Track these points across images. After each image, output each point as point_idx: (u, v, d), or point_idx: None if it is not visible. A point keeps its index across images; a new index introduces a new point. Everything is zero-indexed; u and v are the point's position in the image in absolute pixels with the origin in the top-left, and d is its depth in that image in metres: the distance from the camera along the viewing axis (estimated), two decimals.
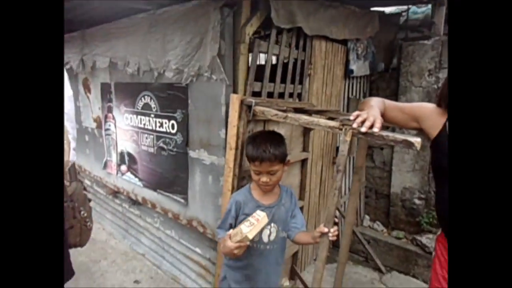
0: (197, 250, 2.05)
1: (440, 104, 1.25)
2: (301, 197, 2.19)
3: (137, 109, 2.23)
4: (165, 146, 2.03)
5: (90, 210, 1.52)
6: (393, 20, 3.29)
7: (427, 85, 2.93)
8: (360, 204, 3.39)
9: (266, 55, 1.82)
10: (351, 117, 1.17)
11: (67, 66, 2.93)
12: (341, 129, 1.19)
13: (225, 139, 1.59)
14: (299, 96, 2.19)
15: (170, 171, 2.04)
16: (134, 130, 2.32)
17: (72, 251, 1.41)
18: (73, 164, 1.49)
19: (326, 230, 1.20)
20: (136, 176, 2.39)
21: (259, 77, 1.80)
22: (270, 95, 1.88)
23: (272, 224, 1.36)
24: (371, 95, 3.45)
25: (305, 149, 2.15)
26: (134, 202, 2.54)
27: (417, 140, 1.05)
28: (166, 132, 2.02)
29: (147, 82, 2.09)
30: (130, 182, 2.46)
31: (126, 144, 2.44)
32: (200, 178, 1.86)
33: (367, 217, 3.44)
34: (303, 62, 2.14)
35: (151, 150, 2.17)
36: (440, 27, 3.03)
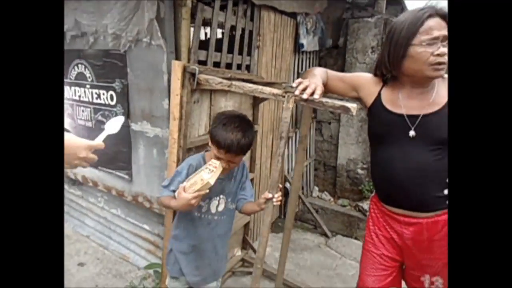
0: (145, 226, 1.99)
1: (376, 73, 1.32)
2: (251, 170, 2.23)
3: (70, 79, 2.02)
4: (104, 120, 1.88)
5: None
6: None
7: (370, 61, 3.09)
8: (309, 176, 3.56)
9: (211, 23, 1.73)
10: (294, 85, 1.19)
11: None
12: (283, 97, 1.20)
13: (169, 109, 1.52)
14: (248, 68, 2.16)
15: (111, 146, 1.91)
16: (68, 103, 2.10)
17: None
18: None
19: (270, 196, 1.24)
20: None
21: (205, 46, 1.73)
22: (216, 65, 1.82)
23: (221, 196, 1.35)
24: None
25: (254, 121, 2.16)
26: (74, 182, 2.35)
27: (353, 106, 1.11)
28: (104, 104, 1.86)
29: (80, 49, 1.89)
30: None
31: None
32: (143, 152, 1.77)
33: (316, 188, 3.64)
34: (251, 32, 2.10)
35: (89, 124, 2.00)
36: (383, 5, 3.18)
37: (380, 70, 1.27)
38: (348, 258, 2.54)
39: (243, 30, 2.02)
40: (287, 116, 1.19)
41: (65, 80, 2.06)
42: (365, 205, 3.13)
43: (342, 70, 3.21)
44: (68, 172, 2.31)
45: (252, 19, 2.08)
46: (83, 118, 2.03)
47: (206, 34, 3.67)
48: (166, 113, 1.58)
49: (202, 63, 1.73)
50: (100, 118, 1.92)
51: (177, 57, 1.54)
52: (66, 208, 2.61)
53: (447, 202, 1.22)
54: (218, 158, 1.21)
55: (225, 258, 1.51)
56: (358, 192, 3.34)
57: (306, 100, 1.15)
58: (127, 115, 1.77)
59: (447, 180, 1.21)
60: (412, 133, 1.19)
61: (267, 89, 1.25)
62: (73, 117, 2.11)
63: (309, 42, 2.92)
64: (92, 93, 1.90)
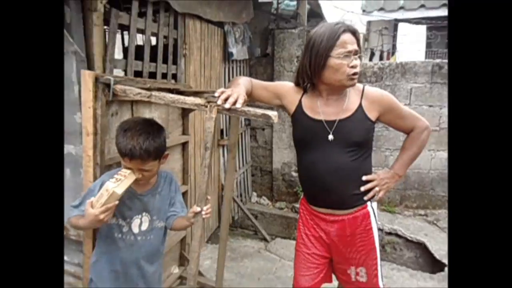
0: (64, 257, 1.75)
1: (297, 83, 1.39)
2: (185, 182, 2.14)
3: None
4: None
5: None
6: (266, 9, 3.51)
7: (296, 70, 3.28)
8: (247, 182, 3.59)
9: (129, 30, 1.63)
10: (216, 94, 1.18)
11: None
12: (206, 106, 1.18)
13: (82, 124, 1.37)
14: (175, 77, 2.09)
15: None
16: None
17: None
18: None
19: (198, 209, 1.19)
20: None
21: (126, 55, 1.61)
22: (138, 74, 1.72)
23: (144, 213, 1.25)
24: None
25: (184, 132, 2.09)
26: None
27: (273, 114, 1.14)
28: None
29: None
30: None
31: None
32: None
33: (254, 193, 3.69)
34: (176, 41, 2.04)
35: None
36: (304, 18, 3.41)
37: (302, 78, 1.35)
38: (287, 259, 2.62)
39: (166, 38, 1.95)
40: (211, 126, 1.17)
41: None
42: None
43: (271, 78, 3.35)
44: None
45: (176, 27, 2.03)
46: None
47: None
48: (79, 128, 1.42)
49: (125, 73, 1.61)
50: None
51: (90, 66, 1.40)
52: None
53: (364, 198, 1.34)
54: (128, 169, 1.13)
55: (158, 281, 1.39)
56: (294, 194, 3.48)
57: (228, 110, 1.15)
58: None
59: (363, 178, 1.33)
60: (330, 137, 1.29)
61: (189, 99, 1.22)
62: None
63: (238, 51, 2.97)
64: None
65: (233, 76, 3.15)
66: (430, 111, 3.18)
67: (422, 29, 5.03)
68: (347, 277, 1.42)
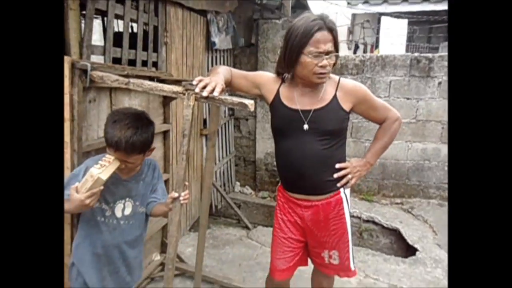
0: None
1: (277, 72, 1.42)
2: (166, 170, 2.16)
3: None
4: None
5: None
6: None
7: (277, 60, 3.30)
8: (231, 172, 3.62)
9: (107, 15, 1.61)
10: (194, 82, 1.19)
11: None
12: (184, 94, 1.20)
13: None
14: (156, 65, 2.08)
15: None
16: None
17: None
18: None
19: (176, 195, 1.22)
20: None
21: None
22: (117, 61, 1.70)
23: (127, 199, 1.28)
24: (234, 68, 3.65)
25: (166, 120, 2.09)
26: None
27: (250, 102, 1.17)
28: None
29: None
30: None
31: None
32: None
33: (237, 183, 3.73)
34: (156, 28, 2.02)
35: None
36: (289, 8, 3.42)
37: (280, 68, 1.39)
38: (267, 246, 2.68)
39: (146, 25, 1.93)
40: (189, 113, 1.19)
41: None
42: None
43: (255, 68, 3.36)
44: None
45: (156, 15, 2.00)
46: None
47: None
48: None
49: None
50: None
51: (66, 52, 1.38)
52: None
53: (337, 185, 1.40)
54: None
55: (139, 266, 1.42)
56: (276, 183, 3.55)
57: (206, 98, 1.17)
58: None
59: (336, 166, 1.39)
60: (305, 126, 1.33)
61: (167, 87, 1.23)
62: None
63: (221, 40, 2.95)
64: None
65: (216, 65, 3.14)
66: (408, 104, 3.29)
67: (404, 23, 5.13)
68: (321, 259, 1.49)
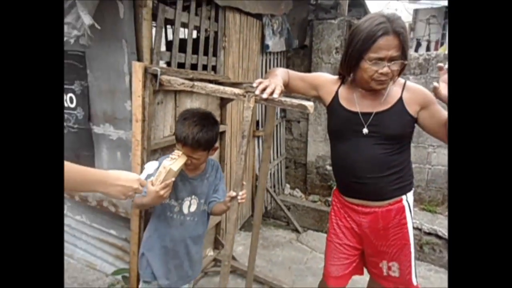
0: (112, 231, 1.95)
1: (339, 74, 1.39)
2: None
3: None
4: (64, 123, 1.81)
5: None
6: None
7: (334, 61, 3.21)
8: (281, 174, 3.63)
9: (174, 24, 1.73)
10: (254, 85, 1.22)
11: None
12: (244, 96, 1.23)
13: (131, 111, 1.50)
14: (214, 69, 2.18)
15: (73, 150, 1.84)
16: None
17: None
18: None
19: (234, 194, 1.26)
20: None
21: (170, 48, 1.72)
22: (181, 66, 1.82)
23: (193, 196, 1.36)
24: None
25: (222, 121, 2.18)
26: None
27: (310, 104, 1.16)
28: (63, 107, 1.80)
29: None
30: None
31: None
32: (107, 155, 1.73)
33: (287, 185, 3.71)
34: (216, 33, 2.12)
35: None
36: (345, 7, 3.31)
37: (342, 71, 1.36)
38: (318, 251, 2.63)
39: (207, 31, 2.03)
40: (248, 115, 1.22)
41: None
42: None
43: (308, 70, 3.31)
44: None
45: (216, 20, 2.10)
46: None
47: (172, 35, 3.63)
48: (129, 115, 1.55)
49: (166, 64, 1.72)
50: None
51: (139, 58, 1.52)
52: None
53: (399, 192, 1.32)
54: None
55: (199, 261, 1.50)
56: (328, 187, 3.45)
57: (266, 99, 1.19)
58: (88, 117, 1.72)
59: (397, 172, 1.30)
60: (365, 130, 1.28)
61: (229, 89, 1.28)
62: None
63: (275, 43, 2.98)
64: None
65: (270, 68, 3.17)
66: None
67: None
68: (379, 270, 1.41)
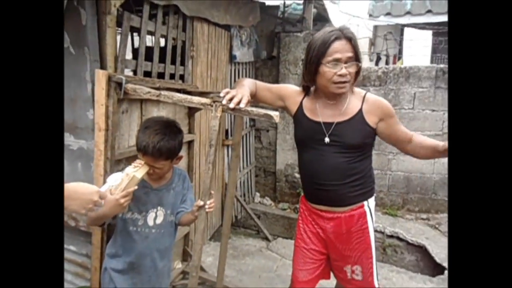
0: (71, 247, 1.83)
1: (303, 86, 1.45)
2: (190, 179, 2.21)
3: None
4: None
5: None
6: (273, 12, 3.58)
7: (301, 72, 3.33)
8: (251, 182, 3.64)
9: (140, 32, 1.71)
10: (221, 94, 1.24)
11: None
12: (212, 106, 1.25)
13: (94, 120, 1.44)
14: (182, 78, 2.17)
15: None
16: None
17: None
18: None
19: (202, 203, 1.25)
20: None
21: (136, 56, 1.69)
22: (147, 75, 1.79)
23: (159, 208, 1.32)
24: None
25: (190, 131, 2.16)
26: None
27: (275, 114, 1.20)
28: None
29: None
30: None
31: None
32: (67, 166, 1.64)
33: (257, 194, 3.74)
34: (184, 43, 2.12)
35: None
36: (310, 22, 3.47)
37: (304, 81, 1.42)
38: (288, 259, 2.66)
39: (175, 40, 2.03)
40: (216, 124, 1.23)
41: None
42: None
43: (276, 80, 3.41)
44: None
45: (184, 30, 2.10)
46: None
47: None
48: (91, 124, 1.49)
49: (134, 72, 1.69)
50: None
51: (103, 66, 1.48)
52: None
53: (360, 198, 1.39)
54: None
55: (167, 275, 1.45)
56: (296, 195, 3.52)
57: (233, 109, 1.21)
58: None
59: (358, 179, 1.37)
60: (327, 139, 1.34)
61: (196, 99, 1.29)
62: None
63: (243, 54, 3.04)
64: None
65: (238, 78, 3.22)
66: (434, 116, 3.20)
67: (428, 34, 5.05)
68: (344, 274, 1.46)
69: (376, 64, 5.84)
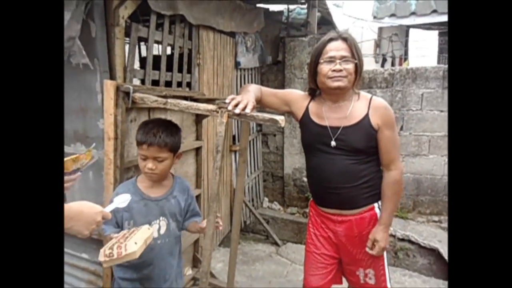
0: (84, 255, 1.85)
1: (309, 89, 1.46)
2: (198, 185, 2.23)
3: None
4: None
5: None
6: (277, 18, 3.61)
7: (306, 77, 3.34)
8: (259, 187, 3.64)
9: (147, 42, 1.75)
10: (227, 101, 1.26)
11: None
12: (217, 112, 1.26)
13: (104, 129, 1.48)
14: (189, 85, 2.20)
15: None
16: None
17: None
18: None
19: (204, 225, 1.27)
20: None
21: (144, 65, 1.73)
22: (155, 83, 1.83)
23: (162, 218, 1.32)
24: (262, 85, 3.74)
25: (198, 137, 2.18)
26: None
27: (281, 118, 1.21)
28: None
29: None
30: None
31: None
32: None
33: (266, 199, 3.73)
34: (190, 51, 2.15)
35: None
36: (314, 26, 3.48)
37: (309, 85, 1.44)
38: (298, 263, 2.64)
39: (181, 48, 2.06)
40: (222, 130, 1.25)
41: None
42: None
43: (282, 84, 3.42)
44: None
45: (190, 38, 2.14)
46: None
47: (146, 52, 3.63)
48: (102, 133, 1.53)
49: (142, 81, 1.73)
50: None
51: (112, 76, 1.52)
52: None
53: (370, 200, 1.38)
54: (143, 160, 1.22)
55: (178, 281, 1.45)
56: (305, 199, 3.50)
57: (238, 115, 1.22)
58: None
59: (367, 182, 1.36)
60: (333, 143, 1.34)
61: (202, 106, 1.30)
62: None
63: (248, 60, 3.06)
64: None
65: (244, 84, 3.24)
66: (442, 116, 3.16)
67: (434, 34, 5.00)
68: (356, 278, 1.45)
69: (382, 65, 5.81)
